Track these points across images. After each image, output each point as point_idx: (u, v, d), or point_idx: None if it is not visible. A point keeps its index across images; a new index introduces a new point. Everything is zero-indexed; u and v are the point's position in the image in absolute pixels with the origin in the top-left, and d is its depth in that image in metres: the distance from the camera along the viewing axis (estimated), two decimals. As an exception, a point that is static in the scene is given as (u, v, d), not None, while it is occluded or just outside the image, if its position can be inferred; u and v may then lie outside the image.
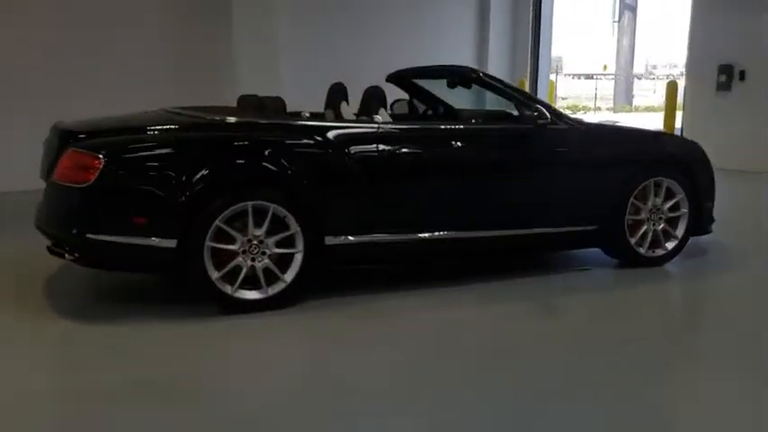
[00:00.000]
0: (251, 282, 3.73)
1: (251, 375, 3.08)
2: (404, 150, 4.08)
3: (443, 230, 4.17)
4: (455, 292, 4.18)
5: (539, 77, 12.42)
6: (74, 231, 3.56)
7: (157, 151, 3.68)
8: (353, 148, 3.95)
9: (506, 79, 12.32)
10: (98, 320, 3.62)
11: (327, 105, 4.81)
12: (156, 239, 3.55)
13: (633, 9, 35.64)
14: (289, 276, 3.79)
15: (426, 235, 4.12)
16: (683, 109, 10.70)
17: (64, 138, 3.75)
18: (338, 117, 4.58)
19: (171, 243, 3.56)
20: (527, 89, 12.11)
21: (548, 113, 4.33)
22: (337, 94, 4.85)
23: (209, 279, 3.64)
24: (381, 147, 4.01)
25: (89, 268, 3.86)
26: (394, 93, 5.53)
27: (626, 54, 35.61)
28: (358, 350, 3.35)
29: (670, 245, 4.80)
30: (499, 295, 4.14)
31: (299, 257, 3.80)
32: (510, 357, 3.27)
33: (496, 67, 12.16)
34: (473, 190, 4.24)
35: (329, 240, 3.88)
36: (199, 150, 3.72)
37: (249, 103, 4.65)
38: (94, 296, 4.09)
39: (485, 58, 12.04)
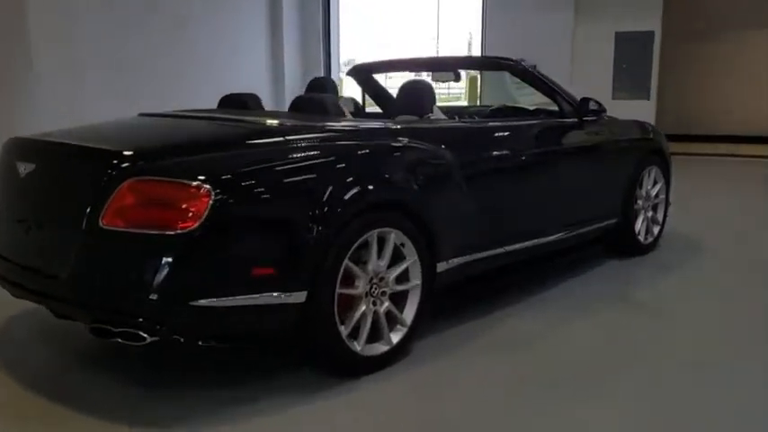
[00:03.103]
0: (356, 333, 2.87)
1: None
2: (506, 151, 3.56)
3: (533, 238, 3.74)
4: (534, 303, 3.75)
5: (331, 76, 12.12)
6: (153, 298, 2.35)
7: (279, 172, 2.63)
8: (465, 152, 3.32)
9: (300, 79, 11.95)
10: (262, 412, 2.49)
11: None
12: (284, 294, 2.54)
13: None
14: (408, 317, 3.03)
15: (518, 245, 3.64)
16: (480, 99, 11.31)
17: (107, 161, 2.50)
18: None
19: (300, 297, 2.58)
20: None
21: (597, 106, 4.11)
22: (324, 90, 4.08)
23: (339, 337, 2.73)
24: (488, 148, 3.44)
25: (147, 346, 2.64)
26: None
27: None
28: (548, 391, 2.78)
29: (656, 230, 4.92)
30: (579, 303, 3.81)
31: (417, 292, 3.05)
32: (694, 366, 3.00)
33: (291, 69, 11.66)
34: (552, 190, 3.88)
35: (440, 266, 3.18)
36: (330, 167, 2.76)
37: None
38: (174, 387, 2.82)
39: (280, 57, 11.42)
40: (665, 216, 5.00)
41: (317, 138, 2.89)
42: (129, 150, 2.54)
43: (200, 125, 3.12)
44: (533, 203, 3.78)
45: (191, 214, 2.36)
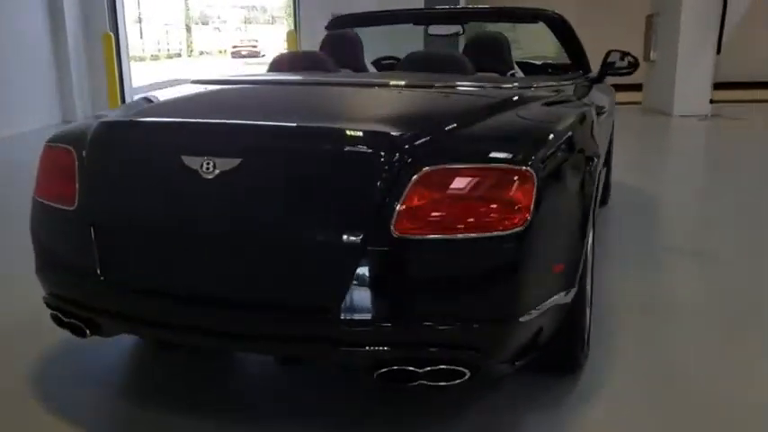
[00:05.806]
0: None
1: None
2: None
3: None
4: (602, 260, 3.69)
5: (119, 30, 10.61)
6: (484, 321, 1.85)
7: (562, 146, 2.17)
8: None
9: (82, 34, 10.27)
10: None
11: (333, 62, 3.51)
12: (566, 293, 2.13)
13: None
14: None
15: None
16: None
17: (377, 146, 1.83)
18: (360, 73, 3.45)
19: (573, 293, 2.18)
20: (113, 44, 10.37)
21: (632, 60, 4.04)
22: (347, 46, 3.57)
23: (585, 330, 2.40)
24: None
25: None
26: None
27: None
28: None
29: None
30: (644, 257, 3.86)
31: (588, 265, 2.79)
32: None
33: (74, 20, 9.98)
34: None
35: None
36: (586, 135, 2.41)
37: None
38: None
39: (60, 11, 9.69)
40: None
41: (561, 102, 2.57)
42: (405, 131, 1.90)
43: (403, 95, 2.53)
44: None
45: (518, 207, 1.85)
